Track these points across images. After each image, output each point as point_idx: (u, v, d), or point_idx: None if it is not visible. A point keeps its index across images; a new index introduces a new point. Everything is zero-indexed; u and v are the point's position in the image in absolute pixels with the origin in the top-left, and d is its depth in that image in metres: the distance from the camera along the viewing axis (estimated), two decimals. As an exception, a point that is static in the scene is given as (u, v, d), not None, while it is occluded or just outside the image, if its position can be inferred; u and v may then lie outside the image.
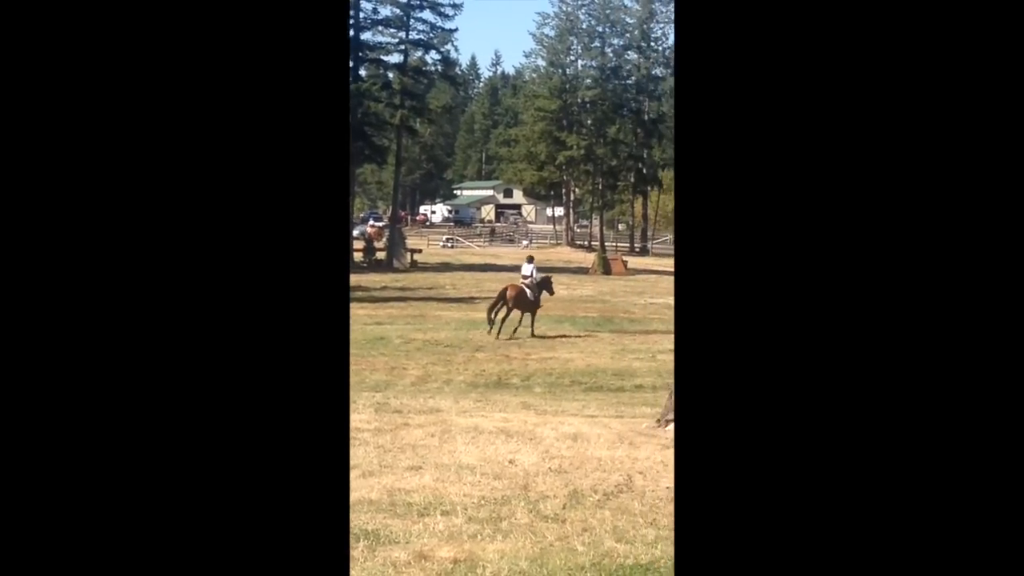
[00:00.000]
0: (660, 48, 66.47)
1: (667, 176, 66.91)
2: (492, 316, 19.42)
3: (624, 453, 7.00)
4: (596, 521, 5.14)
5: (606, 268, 42.01)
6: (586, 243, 63.97)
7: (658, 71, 66.53)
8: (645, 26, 65.68)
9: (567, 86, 65.20)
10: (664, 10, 65.68)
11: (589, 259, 46.74)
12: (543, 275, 21.36)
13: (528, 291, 20.05)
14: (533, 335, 19.54)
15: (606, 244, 59.98)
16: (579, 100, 65.38)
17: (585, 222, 75.79)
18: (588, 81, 65.68)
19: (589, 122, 65.14)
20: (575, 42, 65.96)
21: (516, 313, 19.82)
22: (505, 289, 20.04)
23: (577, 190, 69.05)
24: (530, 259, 21.86)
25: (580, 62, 66.75)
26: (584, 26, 65.86)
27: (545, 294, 20.76)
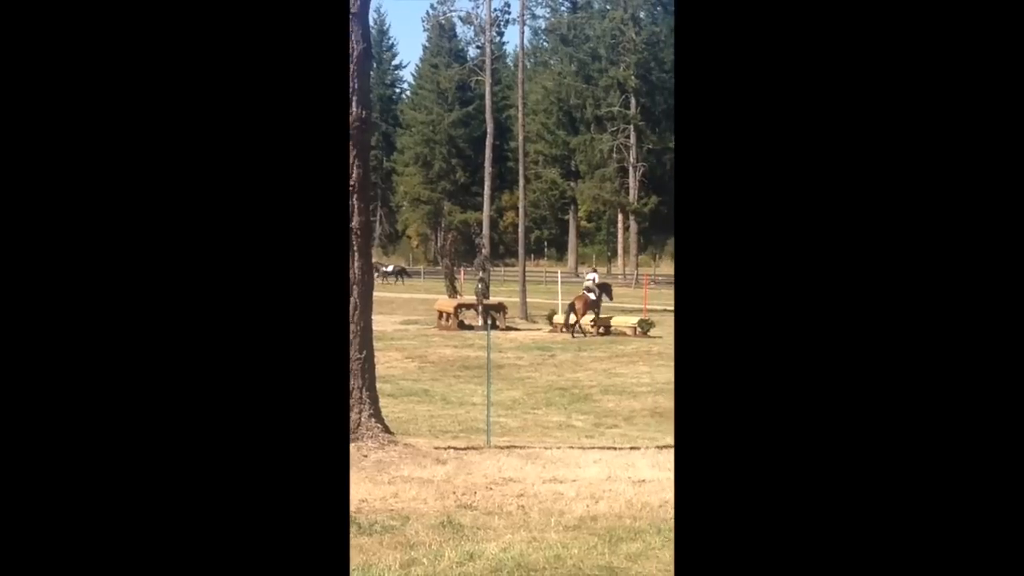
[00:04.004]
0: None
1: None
2: (571, 324, 23.06)
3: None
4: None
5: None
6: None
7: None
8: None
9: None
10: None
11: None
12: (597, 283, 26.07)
13: (591, 295, 24.20)
14: (594, 329, 23.43)
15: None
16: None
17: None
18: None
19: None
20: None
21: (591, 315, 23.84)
22: (574, 301, 23.83)
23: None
24: (594, 270, 28.79)
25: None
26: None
27: (605, 297, 25.12)
